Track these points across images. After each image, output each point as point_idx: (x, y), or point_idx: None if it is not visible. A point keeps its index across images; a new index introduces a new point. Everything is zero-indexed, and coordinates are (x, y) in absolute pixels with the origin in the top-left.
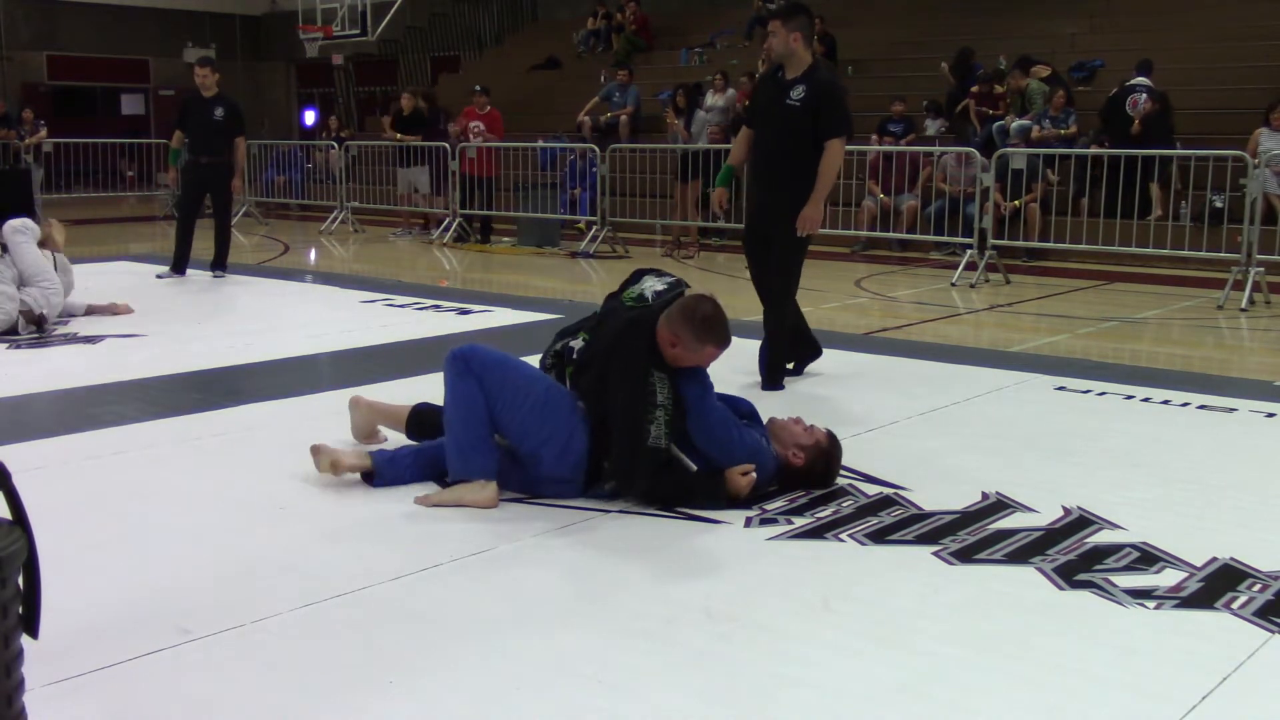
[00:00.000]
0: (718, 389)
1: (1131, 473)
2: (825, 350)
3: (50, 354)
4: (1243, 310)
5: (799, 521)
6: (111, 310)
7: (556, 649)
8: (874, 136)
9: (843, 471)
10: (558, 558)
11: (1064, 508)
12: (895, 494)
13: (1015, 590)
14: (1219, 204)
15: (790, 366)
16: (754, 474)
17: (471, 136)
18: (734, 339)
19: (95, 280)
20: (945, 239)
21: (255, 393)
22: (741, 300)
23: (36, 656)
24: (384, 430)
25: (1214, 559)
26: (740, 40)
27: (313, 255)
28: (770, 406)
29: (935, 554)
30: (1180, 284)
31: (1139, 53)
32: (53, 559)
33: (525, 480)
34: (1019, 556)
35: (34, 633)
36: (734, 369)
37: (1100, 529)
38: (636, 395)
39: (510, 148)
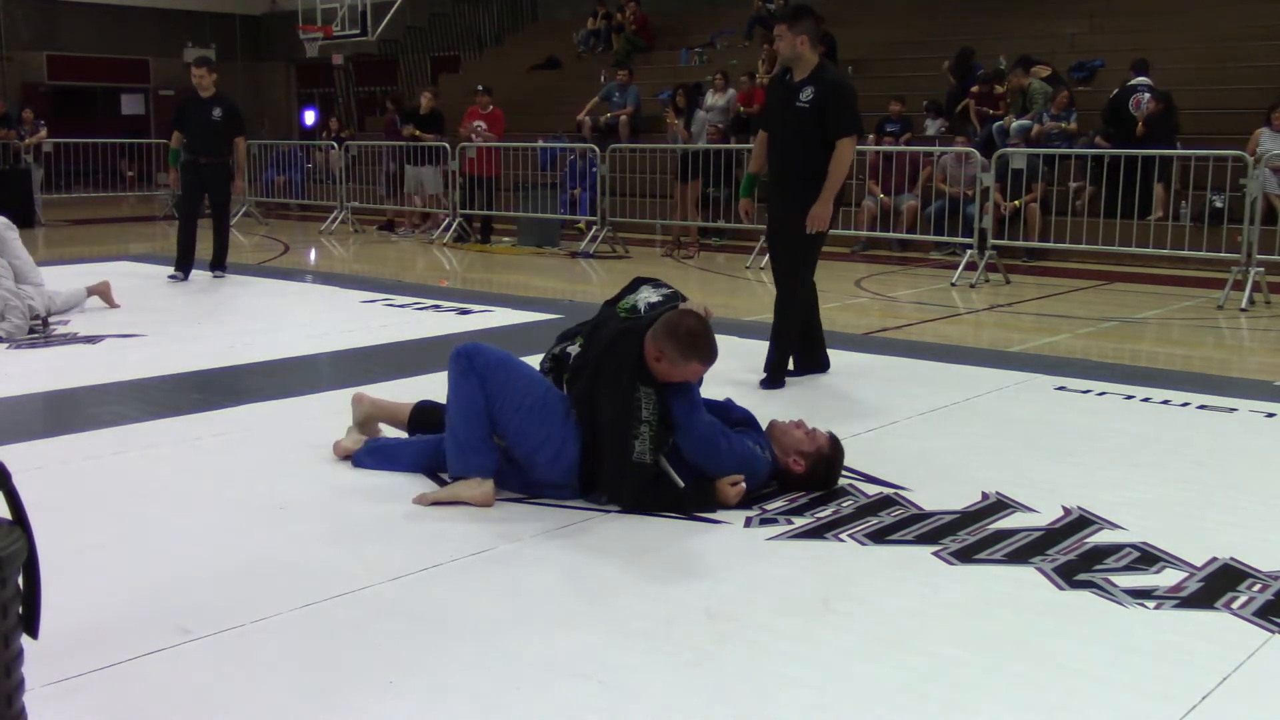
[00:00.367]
0: (722, 388)
1: (1131, 473)
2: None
3: (50, 354)
4: (1243, 310)
5: (799, 521)
6: (105, 293)
7: (556, 649)
8: (871, 136)
9: (843, 472)
10: (557, 558)
11: (1064, 508)
12: (895, 494)
13: (1015, 590)
14: (1219, 204)
15: (790, 367)
16: (743, 484)
17: (474, 136)
18: (737, 338)
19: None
20: (945, 239)
21: (255, 393)
22: (741, 300)
23: (36, 656)
24: (384, 429)
25: (1214, 559)
26: (740, 40)
27: (313, 255)
28: (773, 408)
29: (935, 554)
30: (1180, 284)
31: (1139, 53)
32: (53, 559)
33: (523, 482)
34: (1019, 556)
35: (34, 633)
36: (744, 368)
37: (1100, 529)
38: (622, 410)
39: (510, 148)
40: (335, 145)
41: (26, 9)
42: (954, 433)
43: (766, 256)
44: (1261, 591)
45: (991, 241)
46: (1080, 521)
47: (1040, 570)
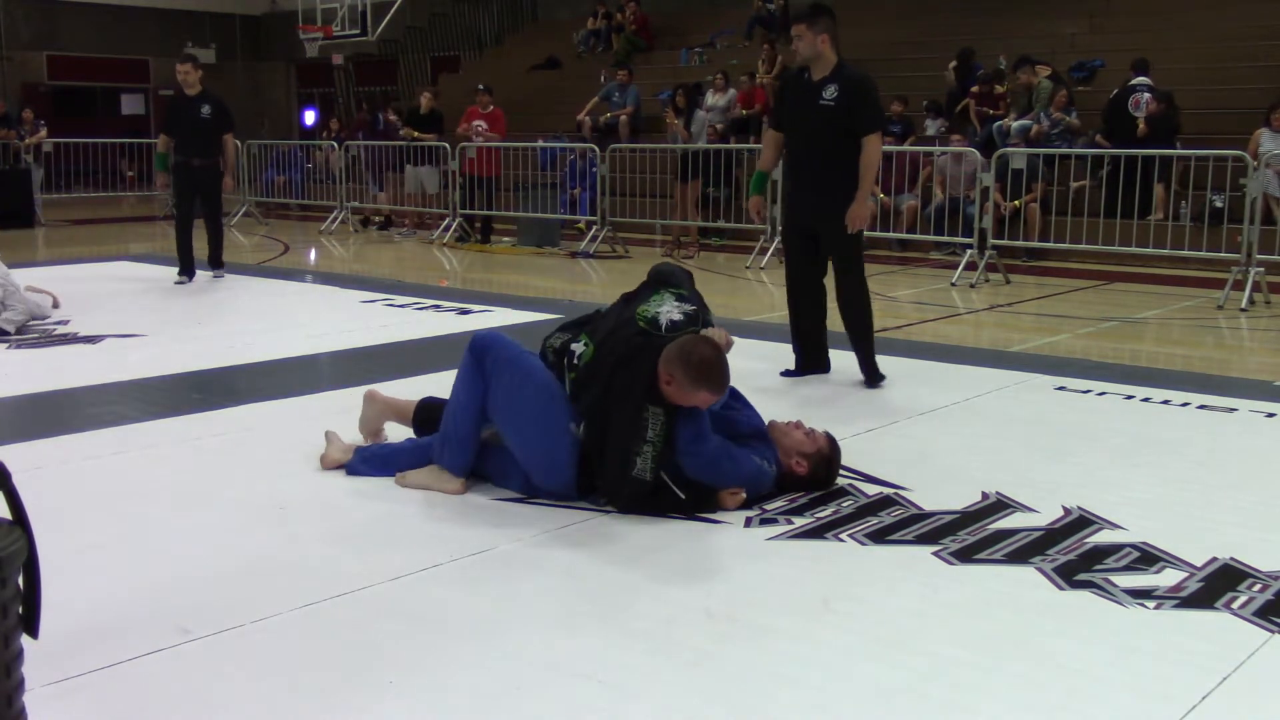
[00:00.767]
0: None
1: (1131, 473)
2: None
3: (50, 354)
4: (1243, 310)
5: (799, 521)
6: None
7: (556, 649)
8: None
9: (843, 471)
10: (558, 558)
11: (1064, 508)
12: (895, 494)
13: (1015, 590)
14: (1219, 204)
15: (792, 367)
16: (743, 495)
17: (474, 136)
18: (737, 338)
19: (95, 280)
20: (945, 239)
21: (255, 393)
22: (741, 300)
23: (36, 656)
24: (388, 429)
25: (1214, 559)
26: (740, 40)
27: (313, 255)
28: (775, 408)
29: (935, 554)
30: (1180, 284)
31: (1139, 53)
32: (53, 559)
33: (523, 484)
34: (1019, 556)
35: (34, 633)
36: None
37: (1100, 529)
38: (629, 427)
39: (510, 148)
40: (335, 145)
41: (26, 9)
42: (954, 433)
43: (766, 256)
44: (1261, 591)
45: (991, 241)
46: (1080, 521)
47: (1040, 570)
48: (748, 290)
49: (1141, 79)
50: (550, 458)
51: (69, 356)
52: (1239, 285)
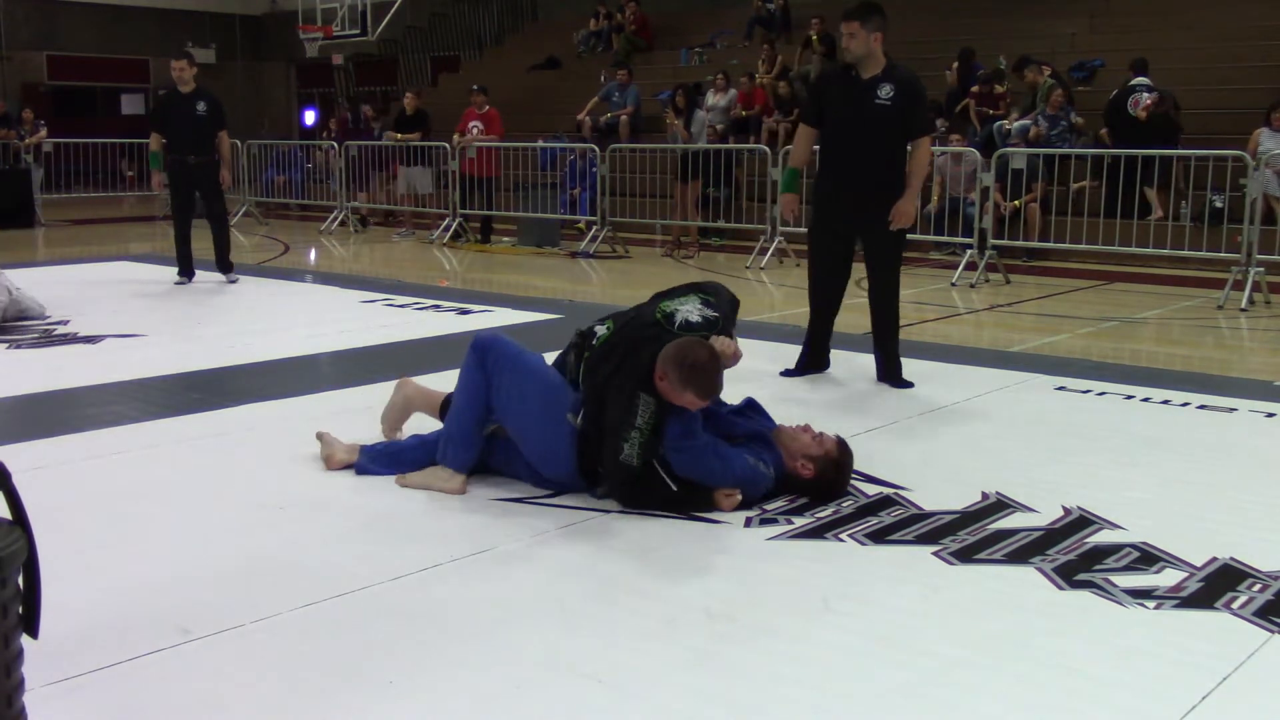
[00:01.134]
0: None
1: (1131, 473)
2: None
3: (50, 354)
4: (1243, 310)
5: (799, 521)
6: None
7: (556, 649)
8: None
9: None
10: (558, 558)
11: (1064, 508)
12: (895, 494)
13: (1015, 590)
14: (1219, 204)
15: (792, 366)
16: (738, 497)
17: (471, 133)
18: (741, 338)
19: (95, 280)
20: (945, 239)
21: (255, 393)
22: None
23: (36, 656)
24: (407, 426)
25: (1214, 559)
26: (740, 40)
27: (313, 255)
28: (776, 410)
29: (935, 554)
30: (1180, 284)
31: (1139, 53)
32: (53, 559)
33: (527, 474)
34: (1019, 556)
35: (34, 633)
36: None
37: (1100, 529)
38: (621, 412)
39: (510, 148)
40: (336, 145)
41: (26, 9)
42: (954, 433)
43: (766, 256)
44: (1261, 591)
45: (991, 241)
46: (1080, 521)
47: (1040, 570)
48: (748, 290)
49: (1141, 79)
50: (551, 449)
51: (69, 356)
52: (1239, 285)
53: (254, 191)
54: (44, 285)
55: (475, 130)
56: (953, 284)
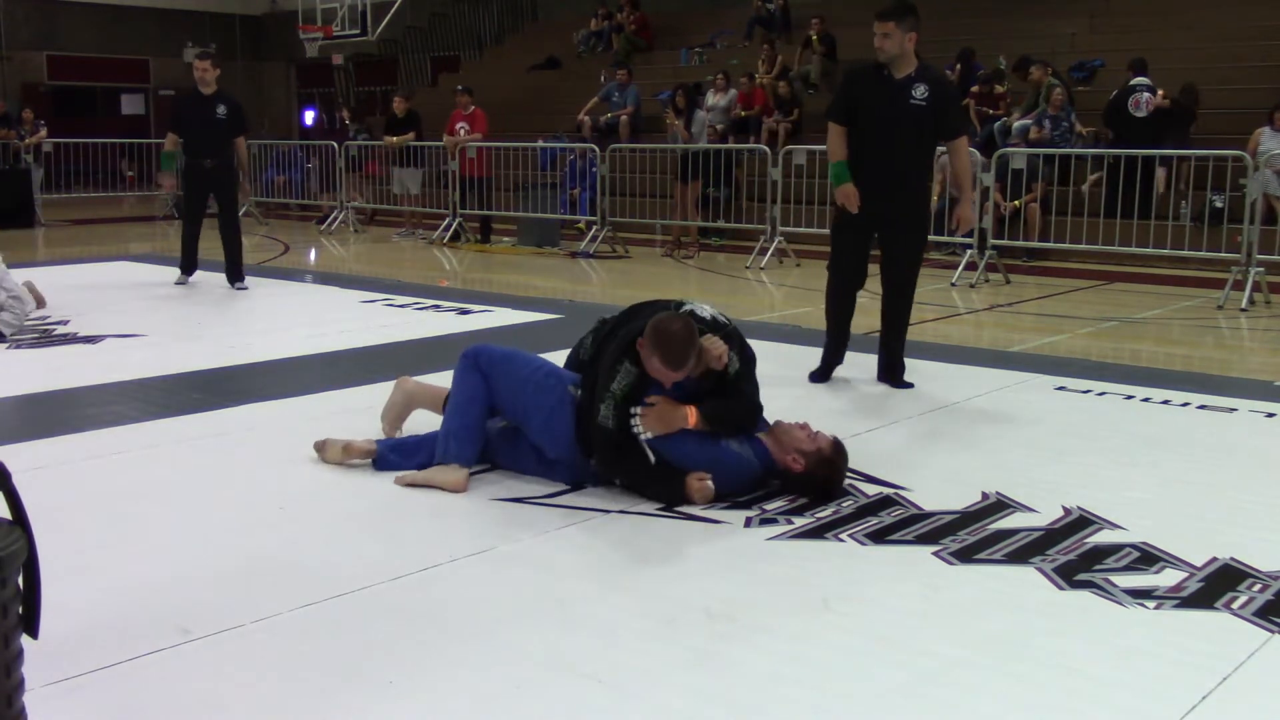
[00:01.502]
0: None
1: (1131, 473)
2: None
3: (50, 354)
4: (1243, 310)
5: (799, 521)
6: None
7: (556, 649)
8: None
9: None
10: (558, 558)
11: (1064, 508)
12: (895, 494)
13: (1015, 590)
14: (1219, 204)
15: (816, 371)
16: (710, 483)
17: (460, 135)
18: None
19: (95, 280)
20: (945, 239)
21: (255, 393)
22: (741, 300)
23: (36, 656)
24: (408, 422)
25: (1214, 559)
26: (740, 40)
27: (313, 255)
28: (777, 409)
29: (935, 554)
30: (1180, 284)
31: (1139, 53)
32: (53, 559)
33: (538, 463)
34: (1019, 556)
35: (34, 633)
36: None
37: (1100, 529)
38: (603, 376)
39: (510, 148)
40: (335, 145)
41: (26, 9)
42: (954, 433)
43: (766, 256)
44: (1261, 591)
45: (991, 241)
46: (1080, 521)
47: (1040, 570)
48: (748, 290)
49: (1140, 79)
50: (552, 426)
51: (69, 356)
52: (1239, 285)
53: (254, 191)
54: (44, 285)
55: (462, 131)
56: (953, 284)
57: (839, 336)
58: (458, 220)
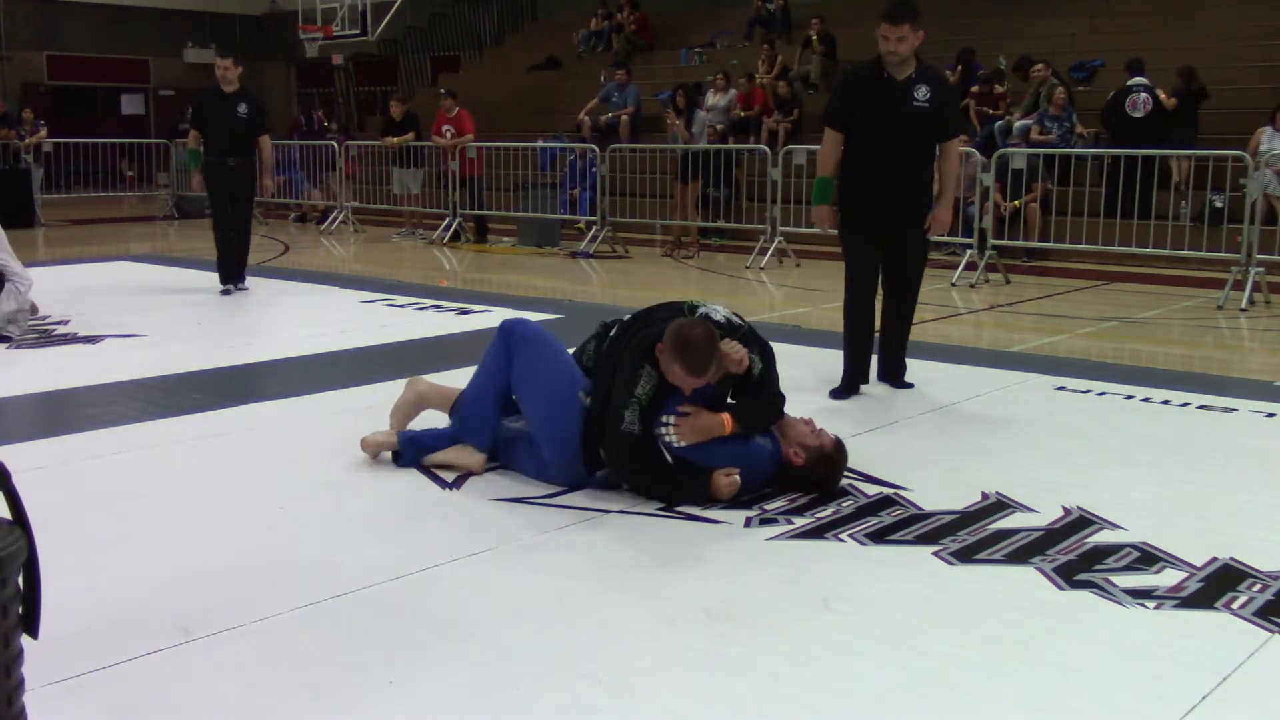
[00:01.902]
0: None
1: (1131, 473)
2: (825, 350)
3: (50, 354)
4: (1243, 310)
5: (799, 521)
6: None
7: (556, 649)
8: None
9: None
10: (558, 558)
11: (1064, 508)
12: (895, 494)
13: (1015, 590)
14: (1219, 204)
15: (839, 386)
16: (737, 477)
17: (443, 138)
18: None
19: (95, 280)
20: (945, 239)
21: (255, 393)
22: (741, 300)
23: (36, 656)
24: (416, 422)
25: (1214, 559)
26: (740, 40)
27: (313, 255)
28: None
29: (935, 554)
30: (1180, 284)
31: (1140, 53)
32: (53, 559)
33: (536, 464)
34: (1019, 556)
35: (34, 633)
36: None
37: (1100, 529)
38: (624, 383)
39: (510, 148)
40: (335, 145)
41: (26, 9)
42: (954, 433)
43: (766, 256)
44: (1261, 591)
45: (991, 241)
46: (1080, 521)
47: (1040, 570)
48: (748, 290)
49: (1138, 79)
50: (558, 426)
51: (69, 356)
52: (1239, 285)
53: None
54: (44, 285)
55: (448, 133)
56: (953, 284)
57: (858, 355)
58: (458, 220)
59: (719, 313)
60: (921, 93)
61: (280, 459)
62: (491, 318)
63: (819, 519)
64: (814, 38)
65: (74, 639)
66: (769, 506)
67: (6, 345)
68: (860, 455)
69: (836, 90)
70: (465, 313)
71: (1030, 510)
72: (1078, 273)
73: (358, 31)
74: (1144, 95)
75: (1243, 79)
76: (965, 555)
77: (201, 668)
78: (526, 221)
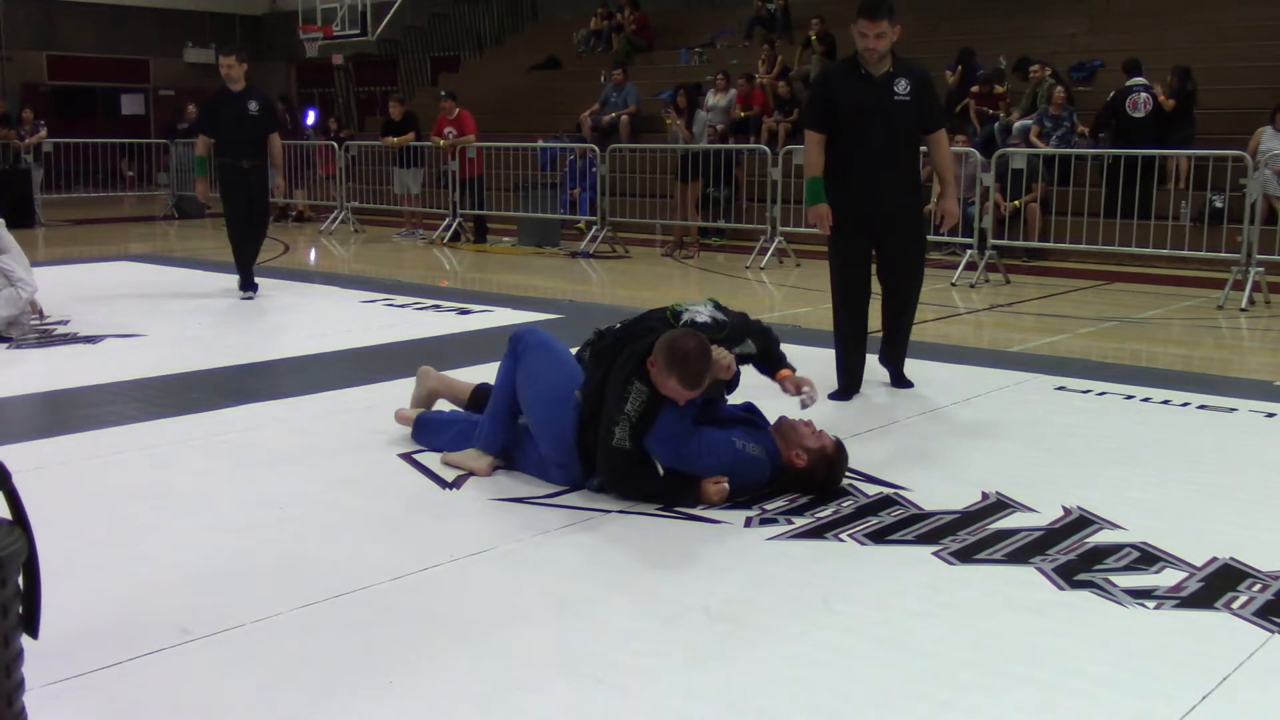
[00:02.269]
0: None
1: (1131, 473)
2: (825, 350)
3: (50, 354)
4: (1243, 310)
5: (799, 521)
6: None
7: (556, 649)
8: None
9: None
10: (558, 558)
11: (1064, 508)
12: (895, 494)
13: (1015, 590)
14: (1219, 204)
15: (839, 390)
16: (726, 485)
17: (445, 139)
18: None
19: (95, 280)
20: (945, 239)
21: (255, 393)
22: (741, 300)
23: (36, 656)
24: (441, 405)
25: (1214, 559)
26: (740, 40)
27: (313, 255)
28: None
29: (935, 554)
30: (1180, 284)
31: (1139, 53)
32: (53, 559)
33: (537, 462)
34: (1019, 556)
35: (34, 633)
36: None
37: (1100, 529)
38: (615, 399)
39: (510, 148)
40: (335, 145)
41: (26, 9)
42: (954, 433)
43: (766, 256)
44: (1261, 591)
45: (991, 241)
46: (1080, 521)
47: (1040, 570)
48: (748, 290)
49: (1137, 79)
50: (555, 425)
51: (69, 356)
52: (1239, 285)
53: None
54: (44, 285)
55: (450, 134)
56: (953, 284)
57: (851, 362)
58: (458, 220)
59: (702, 314)
60: (901, 86)
61: (280, 459)
62: (491, 318)
63: (819, 519)
64: (814, 38)
65: (74, 639)
66: (769, 506)
67: (6, 345)
68: (860, 455)
69: (814, 91)
70: (465, 313)
71: (1030, 510)
72: (1078, 273)
73: (358, 31)
74: (1144, 95)
75: (1243, 79)
76: (965, 555)
77: (201, 668)
78: (527, 221)
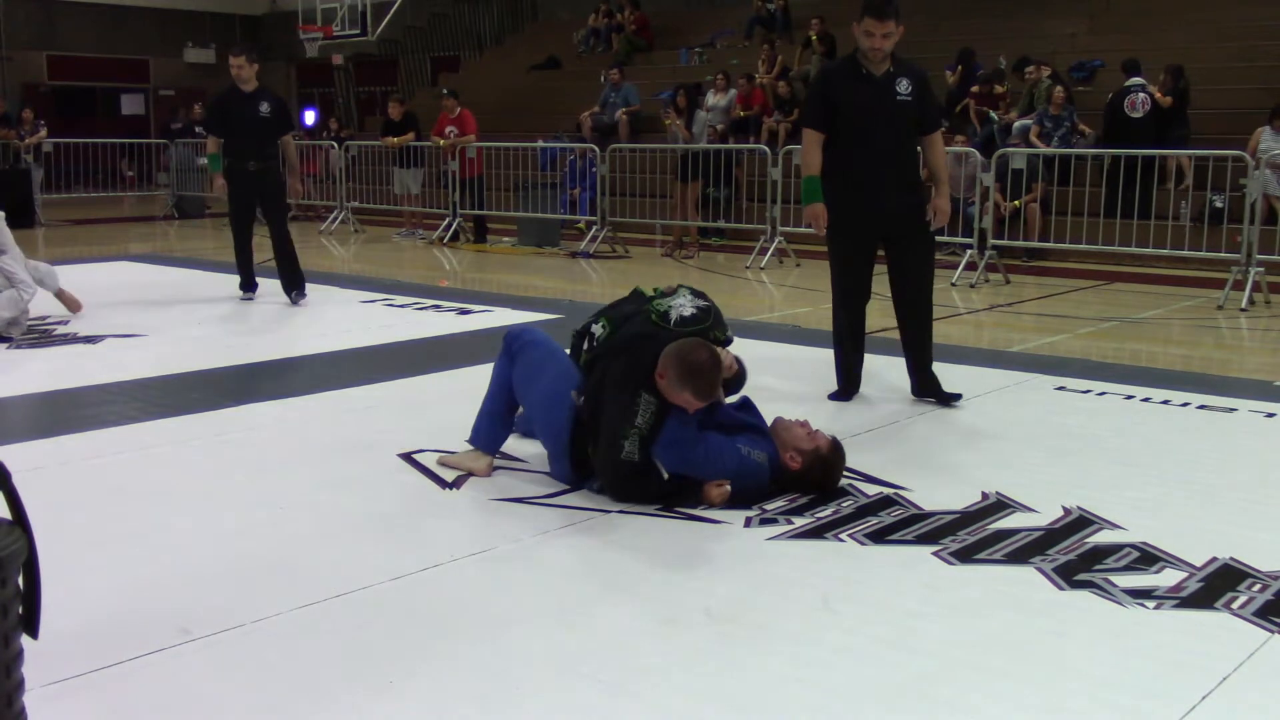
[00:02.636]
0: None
1: (1131, 473)
2: (825, 350)
3: (50, 354)
4: (1243, 310)
5: (799, 521)
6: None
7: (556, 649)
8: None
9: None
10: (558, 558)
11: (1064, 508)
12: (895, 494)
13: (1015, 590)
14: (1219, 204)
15: (839, 391)
16: (728, 488)
17: (446, 138)
18: (741, 339)
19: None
20: (945, 239)
21: (256, 393)
22: (741, 300)
23: (36, 656)
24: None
25: (1214, 559)
26: (740, 40)
27: (313, 255)
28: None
29: (935, 554)
30: (1180, 284)
31: (1139, 53)
32: (53, 559)
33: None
34: (1019, 556)
35: (34, 633)
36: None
37: (1100, 529)
38: (622, 410)
39: (510, 148)
40: (335, 145)
41: (26, 9)
42: (954, 433)
43: (766, 256)
44: (1261, 591)
45: (991, 241)
46: (1080, 521)
47: (1040, 570)
48: (748, 290)
49: (1135, 79)
50: (552, 424)
51: (69, 356)
52: (1239, 285)
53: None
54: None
55: (452, 134)
56: (953, 284)
57: (850, 364)
58: (458, 220)
59: (686, 307)
60: (903, 86)
61: (280, 459)
62: (491, 318)
63: (819, 519)
64: (814, 38)
65: (74, 639)
66: (769, 506)
67: (6, 345)
68: (860, 455)
69: (814, 90)
70: (465, 313)
71: (1030, 510)
72: (1078, 273)
73: (358, 31)
74: (1142, 95)
75: (1242, 79)
76: (965, 555)
77: (201, 668)
78: (527, 221)
